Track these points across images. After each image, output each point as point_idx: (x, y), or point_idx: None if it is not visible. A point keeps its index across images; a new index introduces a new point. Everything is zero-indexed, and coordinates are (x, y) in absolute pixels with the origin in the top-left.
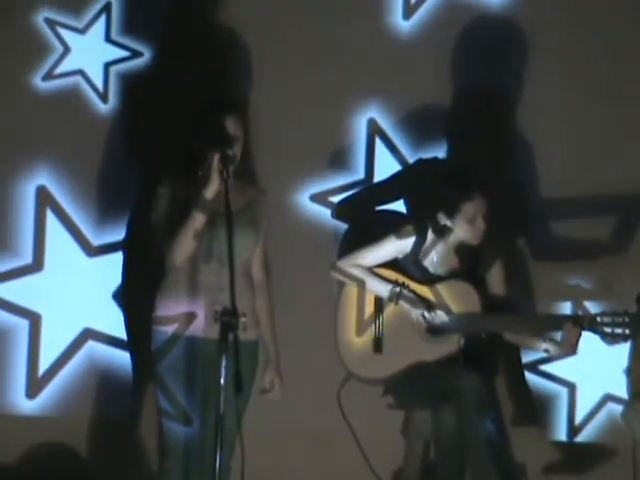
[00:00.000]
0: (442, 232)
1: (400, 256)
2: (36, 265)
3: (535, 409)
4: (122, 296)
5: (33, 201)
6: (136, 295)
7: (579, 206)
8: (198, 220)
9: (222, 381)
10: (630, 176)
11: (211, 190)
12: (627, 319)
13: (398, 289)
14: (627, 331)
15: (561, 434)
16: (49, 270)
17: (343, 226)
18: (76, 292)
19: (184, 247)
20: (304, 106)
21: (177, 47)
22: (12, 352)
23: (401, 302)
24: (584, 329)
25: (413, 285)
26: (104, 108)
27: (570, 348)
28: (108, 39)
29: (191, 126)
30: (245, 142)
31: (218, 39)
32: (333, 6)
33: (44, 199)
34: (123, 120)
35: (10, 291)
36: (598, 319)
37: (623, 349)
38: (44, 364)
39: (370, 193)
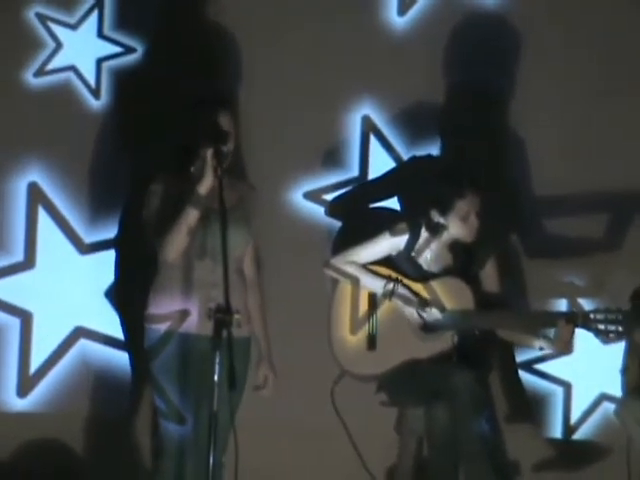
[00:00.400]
0: (436, 229)
1: (394, 253)
2: (27, 263)
3: (529, 406)
4: (115, 294)
5: (24, 198)
6: (129, 293)
7: (572, 203)
8: (192, 216)
9: (216, 378)
10: (623, 173)
11: (205, 186)
12: (620, 316)
13: (392, 285)
14: (620, 328)
15: (556, 433)
16: (41, 268)
17: (337, 224)
18: (68, 290)
19: (177, 243)
20: (298, 103)
21: (169, 43)
22: (3, 350)
23: (395, 299)
24: (577, 326)
25: (407, 282)
26: (96, 104)
27: (563, 345)
28: (100, 35)
29: (184, 122)
30: (236, 138)
31: (210, 35)
32: (327, 2)
33: (36, 196)
34: (115, 116)
35: (1, 289)
36: (591, 316)
37: (619, 348)
38: (35, 362)
39: (363, 190)
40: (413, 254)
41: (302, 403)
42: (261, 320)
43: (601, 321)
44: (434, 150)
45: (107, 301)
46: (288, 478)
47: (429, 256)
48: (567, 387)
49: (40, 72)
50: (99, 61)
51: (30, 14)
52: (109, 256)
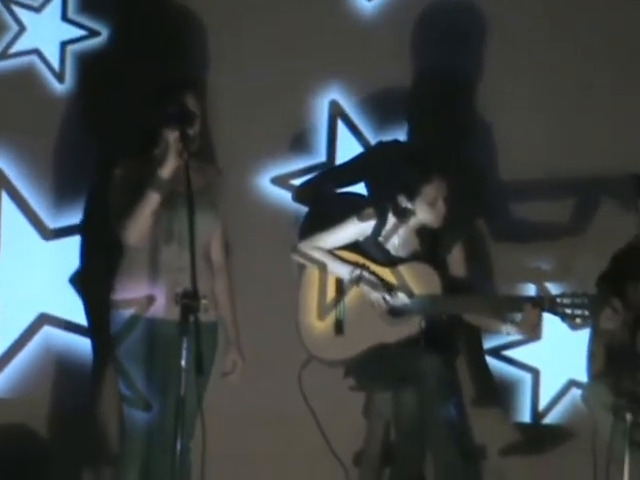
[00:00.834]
0: (403, 215)
1: (361, 239)
2: None
3: (496, 390)
4: (80, 280)
5: None
6: (94, 279)
7: (538, 188)
8: (153, 200)
9: (183, 363)
10: (589, 157)
11: (167, 169)
12: (586, 300)
13: (359, 271)
14: (587, 312)
15: (525, 420)
16: (4, 254)
17: (304, 209)
18: (32, 276)
19: (138, 226)
20: (265, 88)
21: (135, 26)
22: None
23: (362, 284)
24: (544, 310)
25: (374, 267)
26: (60, 88)
27: (530, 329)
28: (65, 18)
29: (149, 105)
30: (203, 122)
31: (176, 18)
32: None
33: None
34: (80, 100)
35: None
36: (558, 300)
37: (587, 335)
38: None
39: (331, 176)
40: (380, 239)
41: (270, 388)
42: (229, 305)
43: (568, 305)
44: (402, 135)
45: (72, 287)
46: (255, 463)
47: (397, 241)
48: (535, 374)
49: (3, 55)
50: (63, 44)
51: None
52: (74, 242)
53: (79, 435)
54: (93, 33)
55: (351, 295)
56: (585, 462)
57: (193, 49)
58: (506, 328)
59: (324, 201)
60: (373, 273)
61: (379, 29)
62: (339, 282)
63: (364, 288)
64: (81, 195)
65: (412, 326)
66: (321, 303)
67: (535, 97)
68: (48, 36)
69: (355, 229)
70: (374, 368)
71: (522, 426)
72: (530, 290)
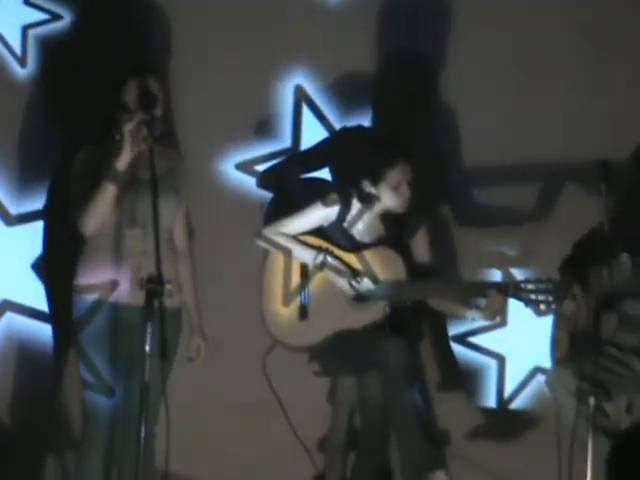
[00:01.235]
0: (367, 200)
1: (325, 224)
2: None
3: (460, 375)
4: (43, 266)
5: None
6: (57, 265)
7: (503, 173)
8: (109, 191)
9: (147, 348)
10: (553, 143)
11: (122, 162)
12: (550, 286)
13: (322, 256)
14: (550, 298)
15: (491, 406)
16: None
17: (269, 195)
18: None
19: (94, 217)
20: (230, 73)
21: (97, 10)
22: None
23: (326, 270)
24: (508, 296)
25: (339, 252)
26: (22, 72)
27: (494, 315)
28: (26, 1)
29: (111, 89)
30: (166, 107)
31: (138, 4)
32: None
33: None
34: (43, 85)
35: None
36: (522, 286)
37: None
38: None
39: (295, 161)
40: (345, 225)
41: (234, 374)
42: (192, 290)
43: (532, 291)
44: (366, 120)
45: (34, 273)
46: (220, 449)
47: (361, 227)
48: (501, 360)
49: None
50: (25, 28)
51: None
52: (36, 228)
53: (42, 421)
54: (55, 17)
55: (316, 281)
56: (549, 446)
57: (156, 34)
58: (471, 313)
59: (288, 187)
60: (338, 258)
61: (344, 13)
62: (304, 268)
63: (329, 274)
64: (44, 181)
65: (377, 312)
66: (286, 289)
67: (500, 82)
68: (9, 20)
69: (319, 214)
70: (339, 354)
71: (487, 411)
72: (495, 275)
